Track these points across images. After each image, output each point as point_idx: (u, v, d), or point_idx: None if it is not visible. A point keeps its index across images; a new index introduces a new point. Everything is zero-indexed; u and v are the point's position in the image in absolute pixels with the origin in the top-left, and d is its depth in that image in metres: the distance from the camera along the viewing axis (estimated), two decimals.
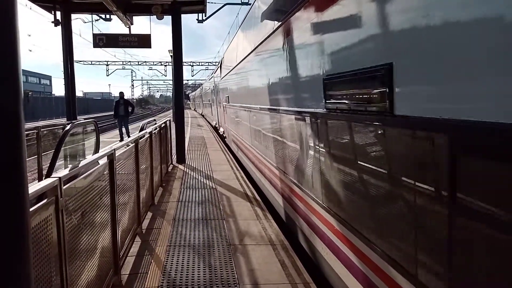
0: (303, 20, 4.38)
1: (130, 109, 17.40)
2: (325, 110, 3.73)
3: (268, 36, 6.17)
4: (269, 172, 7.34)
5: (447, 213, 2.07)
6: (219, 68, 18.87)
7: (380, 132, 2.82)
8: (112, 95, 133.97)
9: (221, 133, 19.78)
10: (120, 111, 17.01)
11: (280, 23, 5.44)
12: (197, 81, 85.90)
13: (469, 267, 1.98)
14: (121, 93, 18.03)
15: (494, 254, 1.81)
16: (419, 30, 2.23)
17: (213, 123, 25.06)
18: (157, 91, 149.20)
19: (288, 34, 5.04)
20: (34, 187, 2.24)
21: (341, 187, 3.62)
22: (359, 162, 3.20)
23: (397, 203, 2.64)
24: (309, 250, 4.92)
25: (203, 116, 43.80)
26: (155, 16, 11.92)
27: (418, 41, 2.24)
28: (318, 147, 4.17)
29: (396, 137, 2.60)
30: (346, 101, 3.21)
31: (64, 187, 2.63)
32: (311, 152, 4.44)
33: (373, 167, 2.93)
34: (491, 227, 1.83)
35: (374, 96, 2.70)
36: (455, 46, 1.95)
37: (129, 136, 9.50)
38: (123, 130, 17.07)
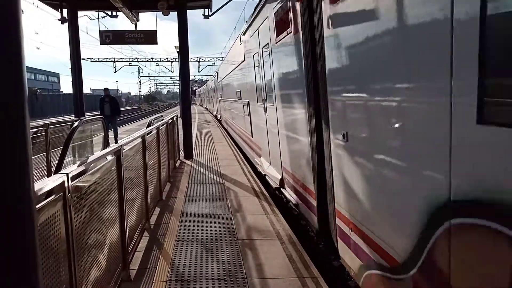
0: (233, 75, 15.18)
1: (115, 109, 15.22)
2: (233, 99, 15.42)
3: (230, 72, 16.12)
4: (231, 124, 17.70)
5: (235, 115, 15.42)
6: (216, 75, 28.78)
7: (244, 105, 11.65)
8: (120, 92, 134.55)
9: (218, 118, 29.04)
10: (106, 110, 14.86)
11: (233, 67, 14.95)
12: (203, 77, 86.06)
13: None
14: (106, 89, 16.05)
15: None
16: (239, 86, 13.13)
17: (214, 113, 36.01)
18: (164, 87, 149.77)
19: (235, 75, 14.26)
20: (42, 184, 2.26)
21: (236, 116, 14.97)
22: (236, 111, 14.91)
23: (242, 119, 12.94)
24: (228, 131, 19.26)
25: (207, 109, 52.23)
26: (161, 12, 11.93)
27: (243, 87, 11.92)
28: (239, 112, 13.24)
29: (243, 105, 11.90)
30: (238, 98, 13.30)
31: (71, 183, 2.65)
32: (238, 113, 13.94)
33: (237, 111, 14.09)
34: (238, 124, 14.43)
35: (239, 96, 12.98)
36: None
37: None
38: (111, 132, 14.27)
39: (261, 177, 9.17)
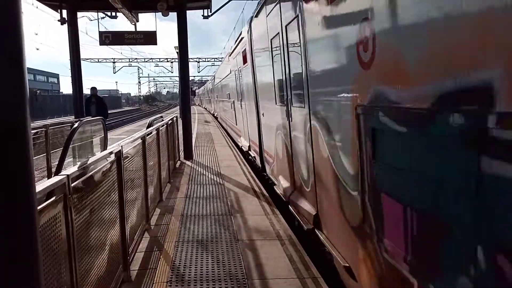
0: (224, 82, 20.79)
1: (103, 111, 12.91)
2: (225, 99, 20.63)
3: (222, 80, 22.02)
4: (224, 119, 23.32)
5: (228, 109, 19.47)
6: (213, 79, 35.90)
7: (231, 103, 16.85)
8: (120, 92, 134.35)
9: (215, 115, 35.06)
10: (92, 112, 12.76)
11: (224, 76, 20.55)
12: (203, 77, 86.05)
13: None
14: (94, 89, 14.12)
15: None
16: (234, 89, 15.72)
17: (212, 111, 42.04)
18: (164, 88, 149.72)
19: (225, 82, 19.82)
20: (42, 185, 2.26)
21: (227, 111, 20.52)
22: (227, 108, 20.45)
23: (230, 113, 18.05)
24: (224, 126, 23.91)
25: (205, 109, 56.92)
26: (161, 13, 11.93)
27: (230, 91, 17.54)
28: (229, 108, 18.57)
29: (230, 103, 17.34)
30: (228, 98, 18.86)
31: (72, 185, 2.65)
32: (228, 109, 19.45)
33: (227, 108, 19.67)
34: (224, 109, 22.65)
35: (229, 97, 18.02)
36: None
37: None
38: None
39: (261, 177, 9.19)
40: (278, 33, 6.03)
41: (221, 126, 25.33)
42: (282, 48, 5.94)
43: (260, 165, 9.63)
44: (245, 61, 10.60)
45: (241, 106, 12.82)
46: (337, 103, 3.77)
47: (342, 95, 3.62)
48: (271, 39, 6.75)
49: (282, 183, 6.87)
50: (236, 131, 15.67)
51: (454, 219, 2.08)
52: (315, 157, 4.64)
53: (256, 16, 8.21)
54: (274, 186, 7.53)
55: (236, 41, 12.89)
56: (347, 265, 3.70)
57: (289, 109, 5.78)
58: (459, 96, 1.95)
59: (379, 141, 2.91)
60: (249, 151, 11.54)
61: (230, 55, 15.40)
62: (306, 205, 5.25)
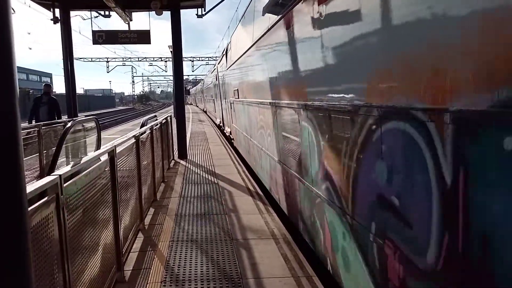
0: (208, 87, 33.11)
1: (54, 115, 10.65)
2: (209, 98, 32.19)
3: (207, 86, 34.99)
4: (209, 110, 35.92)
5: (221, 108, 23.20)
6: (203, 82, 46.79)
7: (213, 100, 27.28)
8: (113, 92, 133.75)
9: (204, 110, 44.48)
10: (42, 113, 10.45)
11: (209, 83, 33.29)
12: (197, 76, 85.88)
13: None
14: (47, 86, 11.51)
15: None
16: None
17: (202, 108, 50.34)
18: (158, 87, 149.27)
19: (209, 87, 31.54)
20: (34, 185, 2.24)
21: (211, 105, 31.85)
22: (211, 103, 31.21)
23: (213, 106, 28.75)
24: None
25: (197, 106, 63.79)
26: (154, 11, 11.87)
27: (213, 92, 27.11)
28: (212, 103, 29.23)
29: (212, 100, 28.25)
30: (211, 97, 28.56)
31: (65, 185, 2.63)
32: (211, 104, 30.02)
33: (211, 103, 30.11)
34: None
35: (212, 96, 28.30)
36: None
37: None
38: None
39: (257, 177, 9.19)
40: (222, 74, 15.47)
41: (209, 118, 33.71)
42: (223, 80, 15.69)
43: (223, 128, 18.64)
44: (216, 78, 19.80)
45: (216, 101, 22.94)
46: (230, 99, 13.16)
47: (228, 96, 14.38)
48: (222, 75, 16.11)
49: (226, 129, 16.57)
50: (215, 115, 26.54)
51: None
52: (229, 114, 14.29)
53: (219, 63, 18.08)
54: (224, 131, 17.95)
55: (215, 65, 24.09)
56: (233, 138, 14.48)
57: (227, 100, 14.43)
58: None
59: (233, 107, 13.00)
60: (220, 124, 21.07)
61: (212, 72, 26.61)
62: (228, 130, 15.69)
